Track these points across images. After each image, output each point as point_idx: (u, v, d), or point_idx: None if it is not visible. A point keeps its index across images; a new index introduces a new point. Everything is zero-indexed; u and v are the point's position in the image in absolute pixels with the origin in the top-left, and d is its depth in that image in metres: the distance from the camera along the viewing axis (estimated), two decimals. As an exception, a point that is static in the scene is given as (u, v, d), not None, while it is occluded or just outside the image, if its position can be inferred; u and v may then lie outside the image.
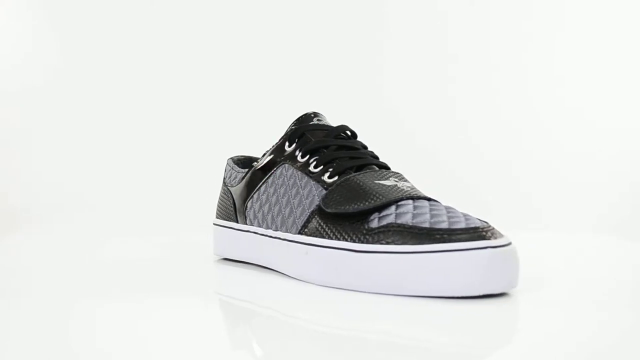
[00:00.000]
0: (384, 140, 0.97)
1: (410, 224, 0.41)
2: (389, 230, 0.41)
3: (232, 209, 0.56)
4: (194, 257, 0.60)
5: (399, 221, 0.41)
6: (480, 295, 0.39)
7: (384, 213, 0.43)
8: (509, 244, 0.40)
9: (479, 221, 0.41)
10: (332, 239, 0.44)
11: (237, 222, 0.56)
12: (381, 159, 0.50)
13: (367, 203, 0.43)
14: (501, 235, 0.40)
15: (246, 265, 0.54)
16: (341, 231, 0.44)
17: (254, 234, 0.53)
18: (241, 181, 0.55)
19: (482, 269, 0.39)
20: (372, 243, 0.42)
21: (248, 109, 1.07)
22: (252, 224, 0.53)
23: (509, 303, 0.40)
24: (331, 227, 0.45)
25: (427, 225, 0.40)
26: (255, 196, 0.53)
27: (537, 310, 0.39)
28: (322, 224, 0.45)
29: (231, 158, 0.60)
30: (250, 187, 0.54)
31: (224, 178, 0.59)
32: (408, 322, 0.37)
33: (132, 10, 1.10)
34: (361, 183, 0.45)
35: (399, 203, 0.43)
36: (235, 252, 0.56)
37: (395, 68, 1.10)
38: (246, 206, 0.54)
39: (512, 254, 0.40)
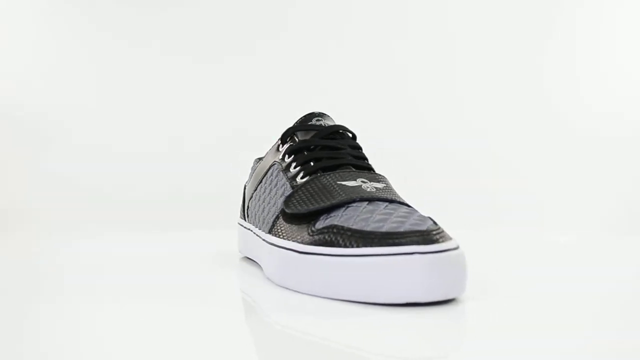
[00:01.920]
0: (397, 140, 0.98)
1: (349, 226, 0.39)
2: (330, 232, 0.40)
3: (243, 208, 0.58)
4: (222, 254, 0.60)
5: (340, 223, 0.40)
6: (420, 303, 0.37)
7: (332, 214, 0.42)
8: (449, 249, 0.37)
9: (428, 225, 0.38)
10: (285, 239, 0.44)
11: (245, 220, 0.57)
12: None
13: (318, 204, 0.43)
14: (447, 239, 0.38)
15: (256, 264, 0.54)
16: (294, 231, 0.44)
17: (251, 232, 0.54)
18: (250, 180, 0.56)
19: (410, 275, 0.36)
20: (313, 244, 0.41)
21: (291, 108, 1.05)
22: (250, 223, 0.54)
23: (450, 311, 0.37)
24: (287, 228, 0.45)
25: (367, 228, 0.39)
26: (254, 195, 0.54)
27: (480, 319, 0.37)
28: (282, 224, 0.45)
29: (259, 158, 0.60)
30: (253, 187, 0.55)
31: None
32: (340, 330, 0.35)
33: (151, 15, 1.10)
34: (322, 184, 0.44)
35: (352, 204, 0.42)
36: (245, 250, 0.57)
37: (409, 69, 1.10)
38: (248, 205, 0.55)
39: (449, 259, 0.37)
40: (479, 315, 0.38)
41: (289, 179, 0.48)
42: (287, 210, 0.45)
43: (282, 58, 1.09)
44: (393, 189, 0.46)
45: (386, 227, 0.38)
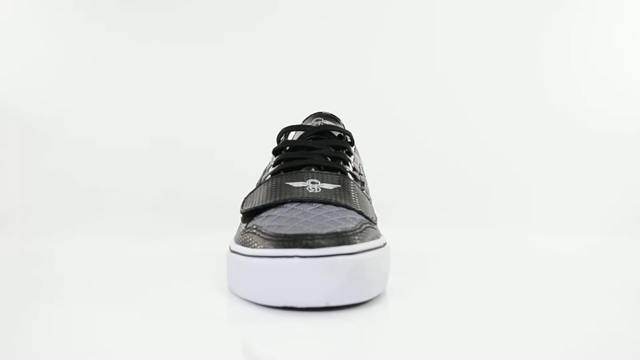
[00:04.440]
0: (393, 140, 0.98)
1: (262, 227, 0.39)
2: (249, 232, 0.40)
3: None
4: (221, 256, 0.60)
5: (259, 223, 0.40)
6: (303, 308, 0.37)
7: (262, 214, 0.42)
8: (345, 253, 0.36)
9: (342, 227, 0.37)
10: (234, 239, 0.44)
11: None
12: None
13: (254, 204, 0.43)
14: (365, 241, 0.37)
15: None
16: (238, 230, 0.44)
17: None
18: None
19: (287, 278, 0.36)
20: (237, 243, 0.41)
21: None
22: None
23: (341, 318, 0.36)
24: (239, 227, 0.45)
25: (279, 230, 0.38)
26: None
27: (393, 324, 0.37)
28: (240, 223, 0.46)
29: None
30: None
31: None
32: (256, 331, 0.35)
33: (166, 20, 1.10)
34: (273, 185, 0.44)
35: (282, 205, 0.42)
36: None
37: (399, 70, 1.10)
38: None
39: (337, 264, 0.35)
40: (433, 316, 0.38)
41: (261, 179, 0.48)
42: (240, 210, 0.46)
43: (282, 58, 1.09)
44: (350, 191, 0.44)
45: (290, 229, 0.37)
